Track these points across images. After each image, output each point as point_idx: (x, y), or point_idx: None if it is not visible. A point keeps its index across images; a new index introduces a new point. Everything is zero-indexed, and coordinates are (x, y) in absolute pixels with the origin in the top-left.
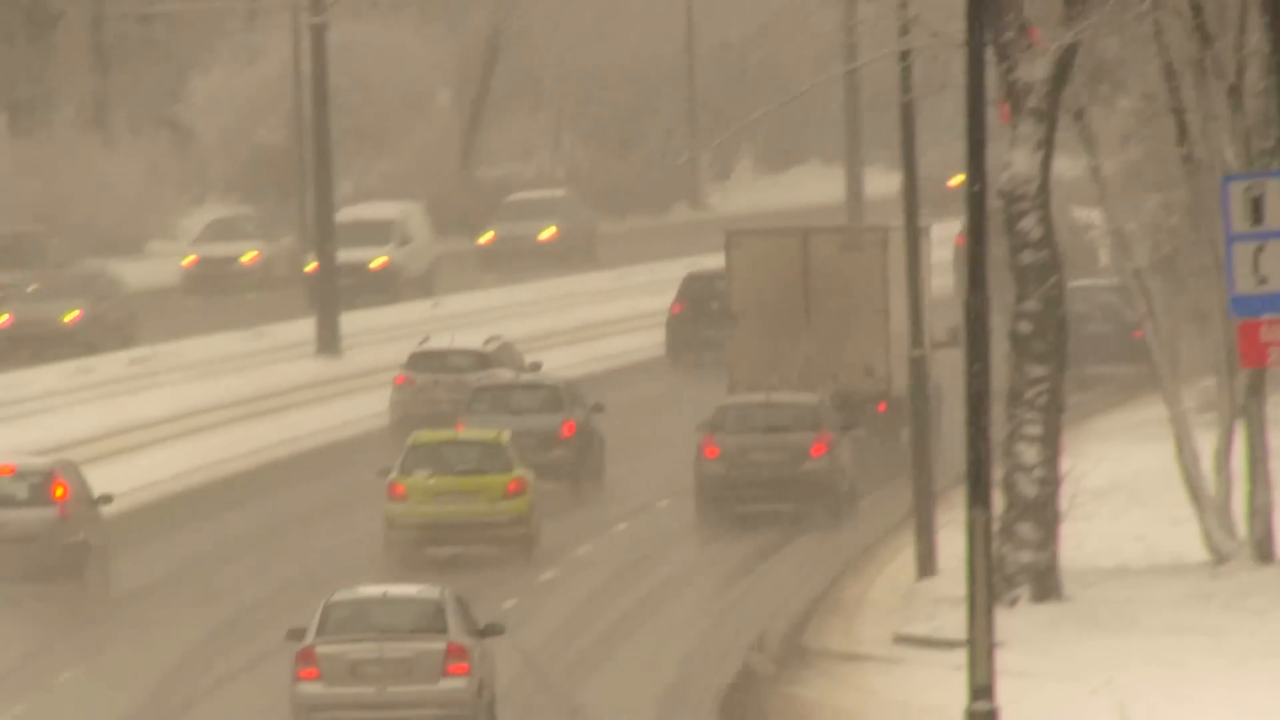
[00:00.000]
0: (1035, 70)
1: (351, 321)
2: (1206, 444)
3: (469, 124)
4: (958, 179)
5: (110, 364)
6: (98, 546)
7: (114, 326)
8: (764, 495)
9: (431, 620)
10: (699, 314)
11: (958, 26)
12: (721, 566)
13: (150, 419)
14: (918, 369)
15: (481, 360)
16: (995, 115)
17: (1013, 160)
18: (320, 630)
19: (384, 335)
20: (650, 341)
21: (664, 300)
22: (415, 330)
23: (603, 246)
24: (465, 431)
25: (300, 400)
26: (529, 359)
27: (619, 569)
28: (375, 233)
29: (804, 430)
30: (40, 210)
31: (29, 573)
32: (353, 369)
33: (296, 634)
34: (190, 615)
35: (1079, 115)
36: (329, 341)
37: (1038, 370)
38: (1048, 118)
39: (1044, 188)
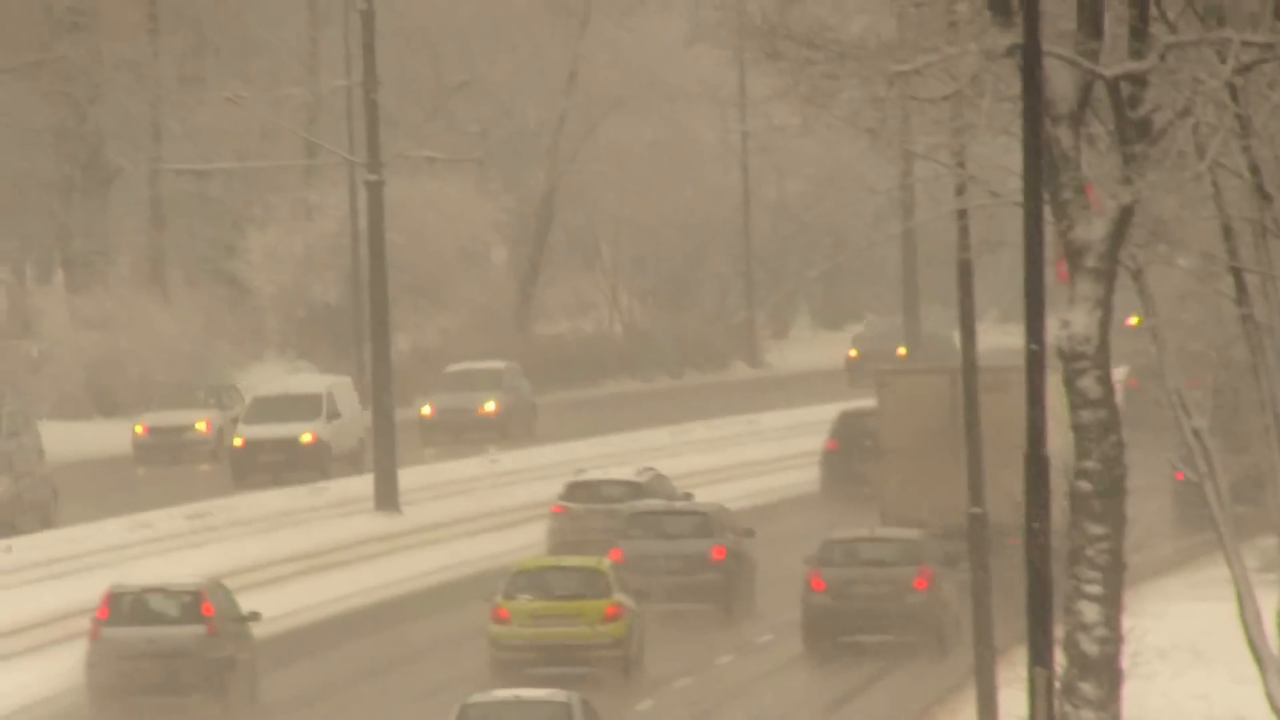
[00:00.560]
0: (1093, 229)
1: (408, 478)
2: (1269, 603)
3: (525, 280)
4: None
5: (169, 519)
6: (244, 662)
7: (32, 506)
8: (867, 627)
9: None
10: (852, 450)
11: (1015, 185)
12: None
13: (213, 573)
14: (977, 526)
15: (635, 490)
16: (1053, 274)
17: (1071, 319)
18: None
19: (441, 491)
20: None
21: (721, 456)
22: (472, 486)
23: (663, 403)
24: (567, 558)
25: (362, 555)
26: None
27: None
28: (303, 407)
29: (907, 564)
30: (97, 365)
31: (178, 687)
32: (412, 525)
33: None
34: None
35: (1137, 274)
36: (388, 497)
37: (1097, 529)
38: (1106, 276)
39: (1103, 347)
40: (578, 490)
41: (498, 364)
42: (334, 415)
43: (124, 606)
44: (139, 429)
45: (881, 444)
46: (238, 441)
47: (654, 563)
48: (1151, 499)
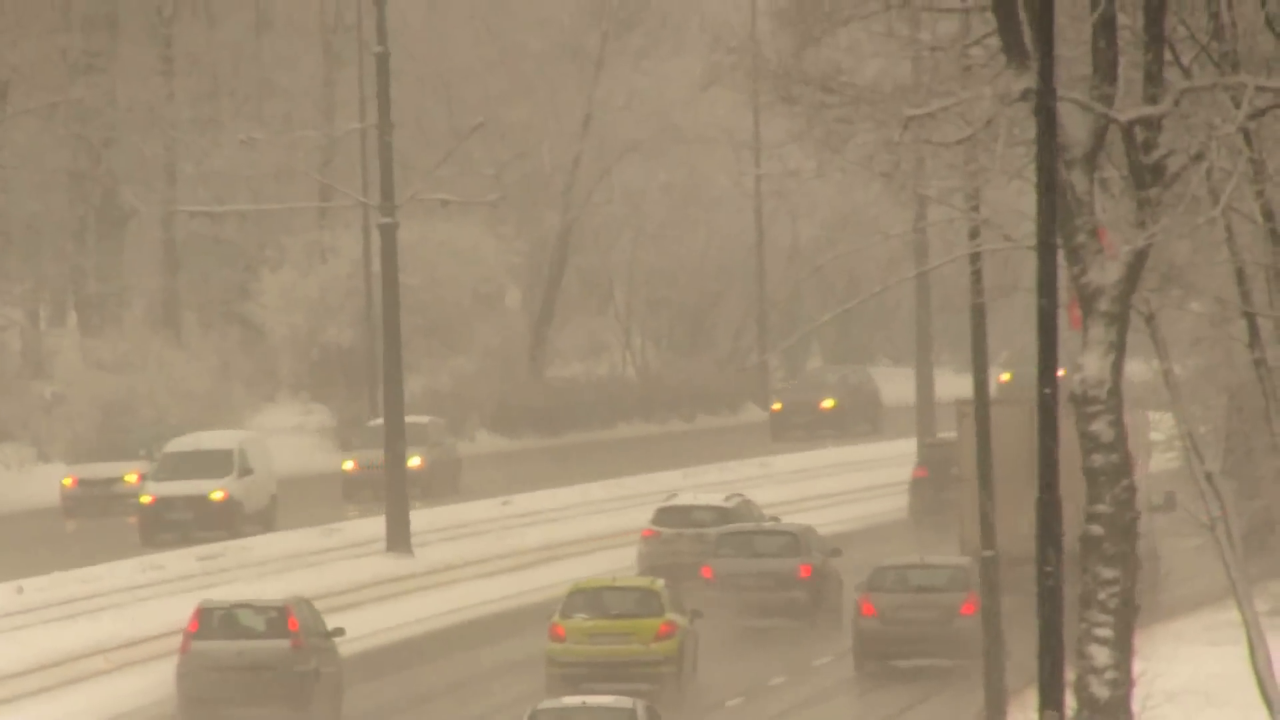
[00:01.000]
0: (1107, 274)
1: (419, 519)
2: (1279, 647)
3: (539, 322)
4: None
5: (181, 560)
6: (328, 675)
7: None
8: (916, 651)
9: None
10: (940, 478)
11: (1029, 230)
12: None
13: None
14: (989, 570)
15: (723, 515)
16: (1066, 318)
17: (1084, 363)
18: None
19: (453, 533)
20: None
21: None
22: (484, 528)
23: (675, 446)
24: (622, 578)
25: (376, 596)
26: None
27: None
28: (214, 463)
29: (955, 590)
30: (110, 407)
31: (264, 698)
32: (424, 566)
33: None
34: None
35: (1150, 319)
36: (400, 539)
37: (1109, 572)
38: (1119, 321)
39: (1115, 391)
40: (667, 515)
41: (422, 419)
42: (246, 472)
43: (214, 621)
44: (68, 481)
45: (962, 473)
46: (146, 499)
47: (743, 580)
48: (1197, 535)
